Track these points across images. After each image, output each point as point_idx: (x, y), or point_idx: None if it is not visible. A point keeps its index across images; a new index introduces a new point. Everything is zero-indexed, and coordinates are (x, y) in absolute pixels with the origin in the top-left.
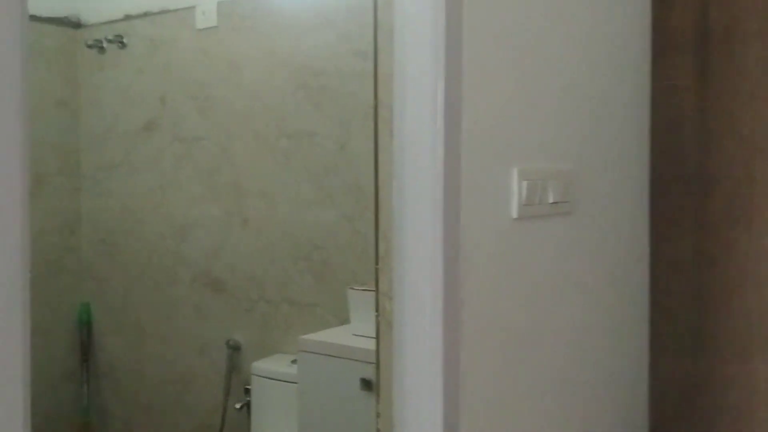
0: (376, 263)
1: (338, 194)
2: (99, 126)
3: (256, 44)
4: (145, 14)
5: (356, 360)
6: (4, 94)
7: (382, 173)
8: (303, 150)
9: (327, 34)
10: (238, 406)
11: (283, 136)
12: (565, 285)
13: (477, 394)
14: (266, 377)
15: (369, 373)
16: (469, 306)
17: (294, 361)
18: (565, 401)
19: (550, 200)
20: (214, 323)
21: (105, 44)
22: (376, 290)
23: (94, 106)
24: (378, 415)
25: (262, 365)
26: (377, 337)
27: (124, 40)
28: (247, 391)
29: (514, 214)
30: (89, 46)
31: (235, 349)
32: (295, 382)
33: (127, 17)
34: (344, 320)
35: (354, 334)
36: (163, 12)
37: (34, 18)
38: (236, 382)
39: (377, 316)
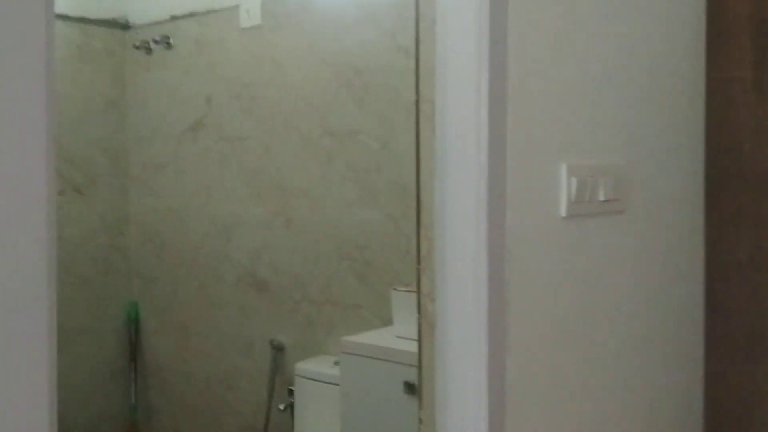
0: (418, 263)
1: (381, 193)
2: (146, 126)
3: (299, 42)
4: (191, 14)
5: (399, 363)
6: (30, 93)
7: (424, 170)
8: (346, 149)
9: (370, 31)
10: (281, 407)
11: (326, 134)
12: (616, 287)
13: (524, 401)
14: (309, 378)
15: (412, 376)
16: (515, 308)
17: (337, 363)
18: (615, 408)
19: (601, 198)
20: (258, 323)
21: (152, 45)
22: (418, 291)
23: (141, 106)
24: (420, 422)
25: (305, 366)
26: (419, 340)
27: (171, 41)
28: (291, 392)
29: (563, 212)
30: (136, 47)
31: (278, 349)
32: (338, 384)
33: (173, 18)
34: (387, 321)
35: (397, 336)
36: (209, 12)
37: (83, 20)
38: (280, 383)
39: (419, 318)
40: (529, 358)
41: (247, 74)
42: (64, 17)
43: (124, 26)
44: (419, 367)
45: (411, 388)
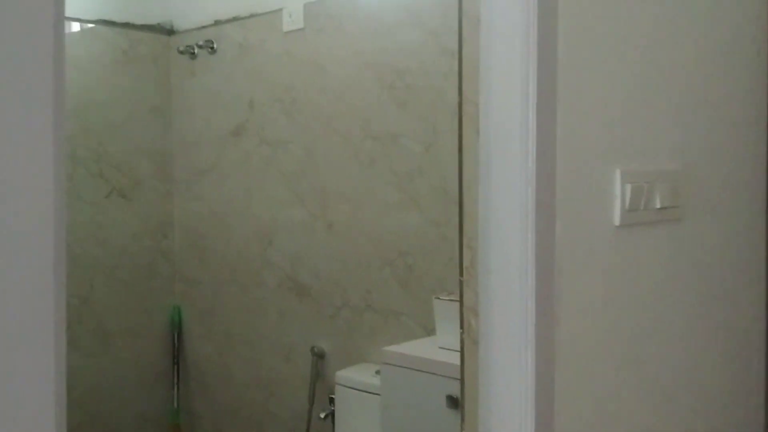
0: (461, 275)
1: (424, 198)
2: (190, 131)
3: (341, 45)
4: (234, 19)
5: (442, 375)
6: (37, 96)
7: (467, 175)
8: (388, 152)
9: (413, 32)
10: (322, 415)
11: (367, 137)
12: (674, 299)
13: (575, 421)
14: (350, 387)
15: (456, 390)
16: (565, 323)
17: (378, 372)
18: (671, 426)
19: (657, 205)
20: (298, 329)
21: (196, 50)
22: (461, 304)
23: (185, 111)
24: None
25: (346, 374)
26: (461, 356)
27: (214, 45)
28: (332, 400)
29: (617, 221)
30: (181, 52)
31: (319, 356)
32: (380, 394)
33: (217, 22)
34: (431, 330)
35: (440, 347)
36: (252, 16)
37: (128, 26)
38: (321, 390)
39: (462, 333)
40: (579, 378)
41: (289, 78)
42: (110, 23)
43: (169, 31)
44: (462, 383)
45: (454, 403)
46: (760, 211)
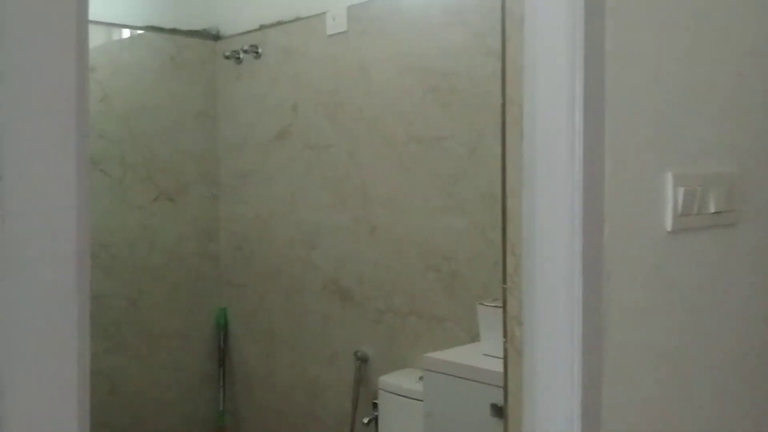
0: (504, 282)
1: (469, 201)
2: (235, 135)
3: (385, 47)
4: (278, 23)
5: (486, 383)
6: (60, 101)
7: (511, 179)
8: (432, 155)
9: (457, 34)
10: (365, 420)
11: (411, 141)
12: (727, 307)
13: None
14: (393, 393)
15: (500, 398)
16: (613, 334)
17: (422, 378)
18: None
19: (711, 210)
20: (342, 333)
21: (241, 55)
22: (504, 312)
23: (231, 115)
24: None
25: (389, 380)
26: (504, 366)
27: (259, 50)
28: (375, 405)
29: (669, 226)
30: (227, 57)
31: (362, 360)
32: (423, 400)
33: (262, 27)
34: (475, 336)
35: (484, 354)
36: (296, 20)
37: (175, 31)
38: (364, 395)
39: (505, 342)
40: (628, 390)
41: (332, 81)
42: (157, 29)
43: (215, 37)
44: (505, 393)
45: (499, 412)
46: None
